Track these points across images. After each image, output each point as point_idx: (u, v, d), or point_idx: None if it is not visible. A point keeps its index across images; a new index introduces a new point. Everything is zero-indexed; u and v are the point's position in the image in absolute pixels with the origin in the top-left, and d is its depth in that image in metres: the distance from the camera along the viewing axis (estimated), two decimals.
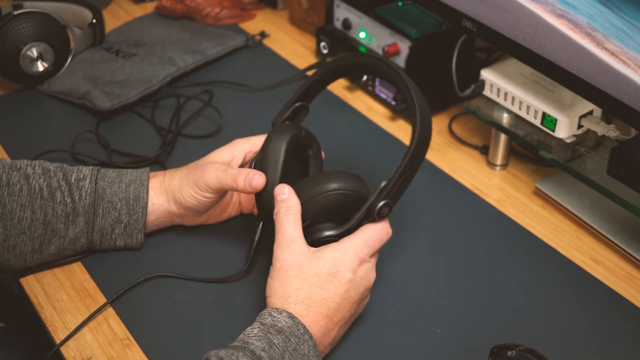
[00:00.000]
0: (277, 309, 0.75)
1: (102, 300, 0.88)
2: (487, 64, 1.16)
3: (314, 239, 0.82)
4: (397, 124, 1.15)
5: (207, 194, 0.88)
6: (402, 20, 1.16)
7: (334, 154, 1.09)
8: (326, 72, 0.90)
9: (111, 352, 0.82)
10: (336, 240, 0.81)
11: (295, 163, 0.90)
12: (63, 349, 0.83)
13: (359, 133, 1.15)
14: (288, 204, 0.81)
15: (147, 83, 1.18)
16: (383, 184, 0.80)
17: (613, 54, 0.82)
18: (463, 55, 1.10)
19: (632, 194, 0.90)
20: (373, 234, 0.81)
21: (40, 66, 1.18)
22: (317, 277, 0.77)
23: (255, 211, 0.95)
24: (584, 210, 0.98)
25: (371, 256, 0.82)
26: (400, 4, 1.21)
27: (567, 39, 0.87)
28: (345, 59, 0.89)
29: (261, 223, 0.88)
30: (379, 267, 0.92)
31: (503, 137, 1.04)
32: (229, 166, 0.89)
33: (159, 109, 1.18)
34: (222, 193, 0.89)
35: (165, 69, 1.21)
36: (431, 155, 1.09)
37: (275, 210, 0.82)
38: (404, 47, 1.15)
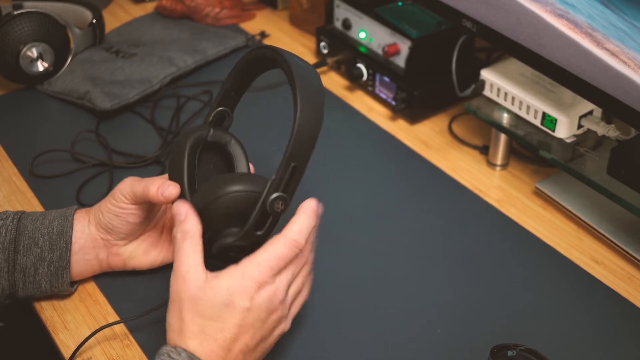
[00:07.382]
0: (175, 348, 0.72)
1: (101, 300, 0.88)
2: (487, 64, 1.16)
3: (218, 249, 0.77)
4: (397, 124, 1.15)
5: (123, 204, 0.84)
6: (402, 20, 1.16)
7: (333, 154, 1.09)
8: (233, 76, 0.85)
9: (111, 352, 0.82)
10: (241, 250, 0.76)
11: (209, 166, 0.85)
12: (63, 349, 0.83)
13: (359, 133, 1.14)
14: (185, 227, 0.76)
15: (147, 83, 1.18)
16: (273, 177, 0.75)
17: (613, 54, 0.82)
18: (463, 55, 1.10)
19: (632, 194, 0.90)
20: (272, 253, 0.75)
21: (40, 66, 1.18)
22: (211, 309, 0.73)
23: None
24: (584, 210, 0.98)
25: (276, 276, 0.75)
26: (400, 4, 1.20)
27: (567, 39, 0.87)
28: (243, 58, 0.83)
29: None
30: (379, 267, 0.92)
31: (503, 137, 1.04)
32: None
33: (159, 109, 1.18)
34: (139, 207, 0.84)
35: (165, 69, 1.21)
36: (431, 155, 1.09)
37: (173, 233, 0.76)
38: (404, 47, 1.15)
